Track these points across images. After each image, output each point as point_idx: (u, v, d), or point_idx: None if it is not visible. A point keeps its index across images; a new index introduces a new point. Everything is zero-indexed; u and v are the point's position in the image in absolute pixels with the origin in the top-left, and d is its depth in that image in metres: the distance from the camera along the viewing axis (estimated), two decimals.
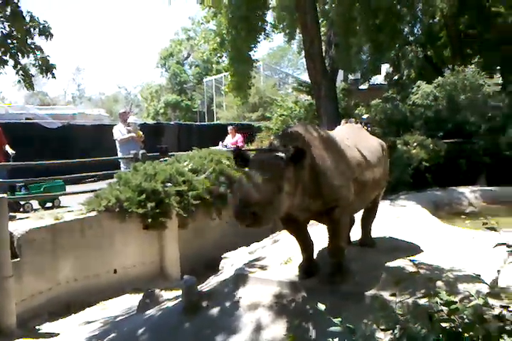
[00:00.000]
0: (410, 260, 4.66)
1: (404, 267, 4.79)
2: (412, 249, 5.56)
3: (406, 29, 19.24)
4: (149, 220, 7.13)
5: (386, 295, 4.05)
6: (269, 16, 16.83)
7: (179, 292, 5.57)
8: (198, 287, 5.35)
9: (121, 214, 7.07)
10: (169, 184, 7.55)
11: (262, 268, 5.35)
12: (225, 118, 35.94)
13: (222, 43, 14.01)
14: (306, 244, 4.91)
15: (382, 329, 2.14)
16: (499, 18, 20.69)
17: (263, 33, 13.90)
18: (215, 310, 4.74)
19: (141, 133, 11.22)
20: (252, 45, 13.93)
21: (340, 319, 2.18)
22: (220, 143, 14.53)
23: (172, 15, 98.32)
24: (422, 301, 3.74)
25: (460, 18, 21.07)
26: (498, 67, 21.33)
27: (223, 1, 13.57)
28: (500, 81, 18.56)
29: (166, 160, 8.79)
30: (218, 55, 14.23)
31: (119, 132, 10.93)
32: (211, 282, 5.78)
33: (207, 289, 5.36)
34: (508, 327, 1.99)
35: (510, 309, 2.05)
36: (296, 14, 13.80)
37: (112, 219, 7.16)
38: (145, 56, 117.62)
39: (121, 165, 10.36)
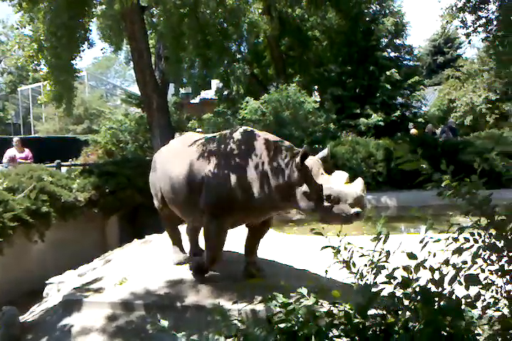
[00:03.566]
0: (245, 269, 4.90)
1: (244, 275, 4.92)
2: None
3: (234, 47, 20.20)
4: None
5: (227, 303, 4.09)
6: (95, 25, 16.13)
7: None
8: (20, 318, 4.76)
9: None
10: None
11: (94, 291, 5.02)
12: (45, 131, 32.96)
13: (40, 50, 12.86)
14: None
15: (225, 337, 2.12)
16: (315, 42, 23.13)
17: (86, 42, 13.15)
18: None
19: None
20: (75, 54, 13.08)
21: (184, 333, 2.11)
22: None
23: None
24: (261, 306, 3.88)
25: (282, 40, 22.93)
26: (316, 87, 23.76)
27: (40, 5, 12.50)
28: (318, 99, 20.65)
29: None
30: (35, 62, 12.99)
31: None
32: (35, 311, 5.19)
33: (30, 319, 4.80)
34: (336, 322, 2.13)
35: (337, 305, 2.20)
36: (123, 24, 13.43)
37: None
38: None
39: None
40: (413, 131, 16.55)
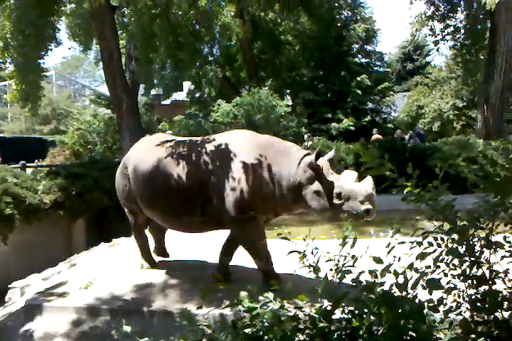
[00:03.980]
0: (214, 273, 4.86)
1: (210, 279, 4.88)
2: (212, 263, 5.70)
3: (206, 49, 20.13)
4: None
5: (195, 308, 4.05)
6: (64, 23, 15.81)
7: None
8: None
9: None
10: None
11: (58, 295, 4.90)
12: (11, 131, 32.07)
13: (6, 48, 12.51)
14: None
15: None
16: (288, 46, 23.28)
17: (55, 41, 12.87)
18: None
19: None
20: (42, 53, 12.79)
21: (147, 339, 2.08)
22: None
23: None
24: (228, 310, 3.86)
25: (254, 43, 22.99)
26: (288, 91, 23.92)
27: (6, 3, 12.17)
28: (290, 103, 20.77)
29: None
30: (1, 60, 12.62)
31: None
32: None
33: None
34: (301, 326, 2.13)
35: (303, 309, 2.19)
36: (93, 23, 13.22)
37: None
38: None
39: None
40: (375, 136, 16.73)
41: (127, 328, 2.25)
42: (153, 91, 20.86)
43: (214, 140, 4.91)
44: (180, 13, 13.03)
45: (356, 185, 4.21)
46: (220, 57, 23.52)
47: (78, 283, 5.17)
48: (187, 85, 24.86)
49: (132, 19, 12.67)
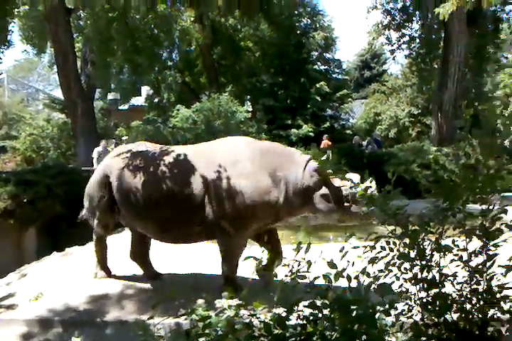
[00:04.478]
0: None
1: (162, 288, 4.80)
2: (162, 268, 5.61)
3: (165, 54, 19.92)
4: None
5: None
6: (17, 25, 15.30)
7: None
8: None
9: None
10: None
11: (7, 307, 4.69)
12: None
13: None
14: None
15: None
16: (248, 52, 23.37)
17: (7, 43, 12.45)
18: None
19: None
20: None
21: None
22: None
23: None
24: (183, 319, 3.78)
25: (214, 49, 22.94)
26: (248, 96, 23.98)
27: None
28: (250, 109, 20.82)
29: None
30: None
31: None
32: None
33: None
34: (256, 333, 2.10)
35: (257, 316, 2.17)
36: (47, 26, 12.87)
37: None
38: None
39: None
40: (325, 142, 16.95)
41: (76, 340, 2.18)
42: (110, 96, 20.48)
43: (212, 147, 4.86)
44: (138, 17, 12.86)
45: (361, 188, 4.35)
46: (179, 62, 23.30)
47: (28, 294, 4.96)
48: (145, 90, 24.49)
49: (88, 22, 12.41)
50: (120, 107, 25.11)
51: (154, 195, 4.64)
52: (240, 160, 4.56)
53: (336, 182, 4.38)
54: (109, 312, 4.48)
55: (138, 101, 25.87)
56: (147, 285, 5.05)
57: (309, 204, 4.46)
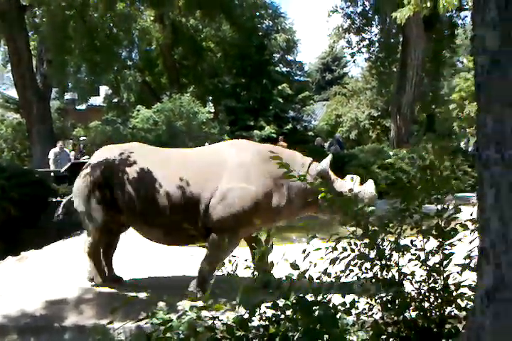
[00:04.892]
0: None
1: (123, 292, 4.71)
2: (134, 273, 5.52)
3: (124, 53, 19.57)
4: None
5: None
6: None
7: None
8: None
9: None
10: None
11: None
12: None
13: None
14: None
15: None
16: (210, 53, 23.26)
17: None
18: None
19: None
20: None
21: None
22: None
23: None
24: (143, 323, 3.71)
25: (175, 49, 22.70)
26: (210, 97, 23.88)
27: None
28: (212, 110, 20.69)
29: None
30: None
31: None
32: None
33: None
34: (218, 336, 2.09)
35: (220, 318, 2.16)
36: (1, 23, 12.41)
37: None
38: None
39: None
40: (280, 143, 17.10)
41: None
42: (67, 96, 19.92)
43: (214, 150, 4.90)
44: (96, 15, 12.58)
45: (362, 188, 4.62)
46: (139, 61, 22.94)
47: None
48: (104, 90, 23.95)
49: (44, 20, 12.04)
50: (78, 107, 24.48)
51: (160, 197, 4.60)
52: (243, 164, 4.60)
53: (339, 182, 4.62)
54: (67, 317, 4.36)
55: (96, 101, 25.25)
56: (107, 290, 4.94)
57: (313, 204, 4.50)
